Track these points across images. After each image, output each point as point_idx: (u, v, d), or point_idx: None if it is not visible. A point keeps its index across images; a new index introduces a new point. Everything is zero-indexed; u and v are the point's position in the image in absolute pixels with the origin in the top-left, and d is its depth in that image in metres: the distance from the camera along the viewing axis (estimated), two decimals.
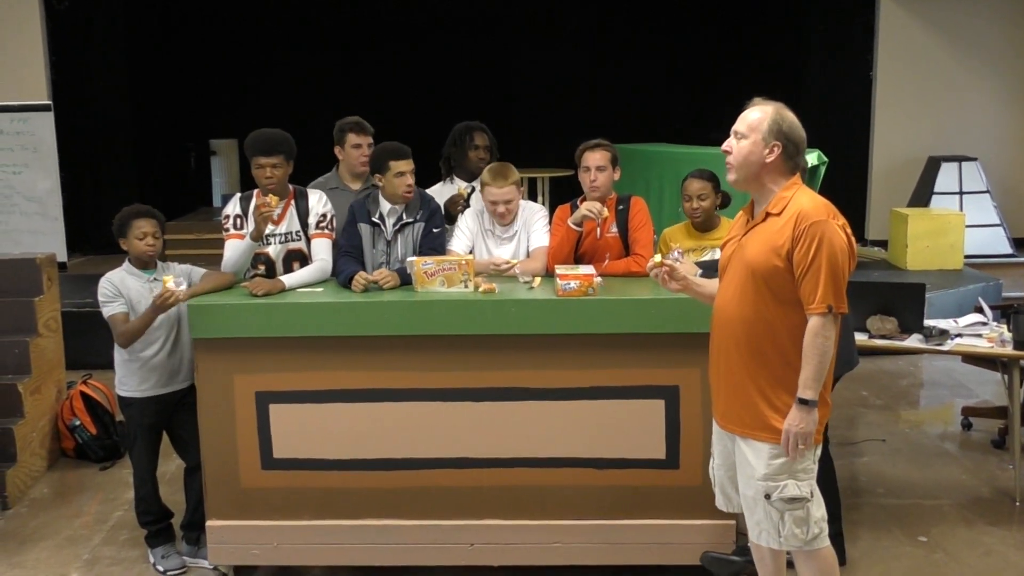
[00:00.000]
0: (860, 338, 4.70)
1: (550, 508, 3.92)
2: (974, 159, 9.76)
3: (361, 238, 4.25)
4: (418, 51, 11.29)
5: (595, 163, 4.28)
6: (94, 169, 10.27)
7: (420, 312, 3.83)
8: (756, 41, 10.99)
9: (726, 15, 11.15)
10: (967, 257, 8.84)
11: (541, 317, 3.81)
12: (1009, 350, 4.72)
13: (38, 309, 5.42)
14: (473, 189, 4.67)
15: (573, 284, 3.81)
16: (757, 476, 3.10)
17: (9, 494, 4.95)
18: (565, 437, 3.89)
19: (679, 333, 3.76)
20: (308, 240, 4.25)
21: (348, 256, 4.19)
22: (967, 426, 5.83)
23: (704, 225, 4.43)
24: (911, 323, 4.87)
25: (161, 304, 3.89)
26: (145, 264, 4.12)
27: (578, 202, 4.34)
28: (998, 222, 9.70)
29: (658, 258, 3.29)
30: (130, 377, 4.15)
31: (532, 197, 8.71)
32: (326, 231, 4.25)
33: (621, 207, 4.35)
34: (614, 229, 4.31)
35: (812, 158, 6.36)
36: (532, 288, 4.00)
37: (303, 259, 4.24)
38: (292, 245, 4.25)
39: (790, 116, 3.08)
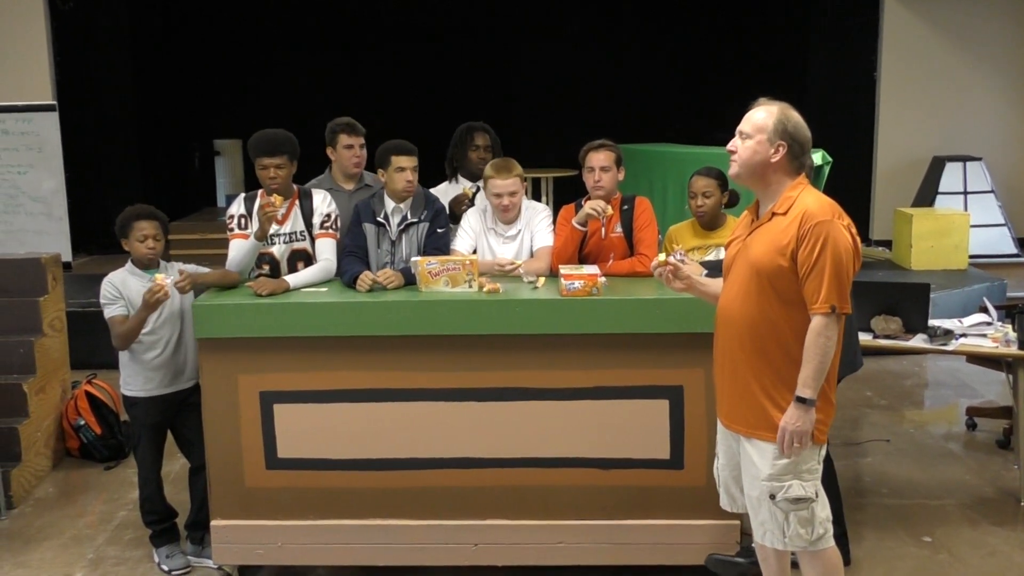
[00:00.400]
0: (864, 338, 4.69)
1: (554, 508, 3.92)
2: (979, 159, 9.75)
3: (366, 238, 4.26)
4: (420, 51, 11.28)
5: (599, 163, 4.28)
6: (98, 169, 10.30)
7: (424, 312, 3.83)
8: (759, 40, 10.97)
9: (729, 14, 11.14)
10: (971, 257, 8.82)
11: (545, 317, 3.81)
12: (1014, 350, 4.72)
13: (43, 309, 5.43)
14: (478, 189, 4.67)
15: (577, 284, 3.81)
16: (762, 476, 3.09)
17: (14, 494, 4.95)
18: (569, 437, 3.89)
19: (683, 333, 3.75)
20: (312, 240, 4.25)
21: (352, 256, 4.20)
22: (972, 426, 5.83)
23: (709, 223, 4.43)
24: (915, 323, 4.87)
25: (151, 299, 3.87)
26: (146, 265, 4.11)
27: (582, 202, 4.33)
28: (1002, 222, 9.68)
29: (662, 257, 3.29)
30: (134, 377, 4.15)
31: (536, 197, 8.69)
32: (330, 231, 4.26)
33: (625, 207, 4.34)
34: (618, 229, 4.31)
35: (816, 158, 6.31)
36: (536, 288, 4.00)
37: (307, 259, 4.24)
38: (296, 245, 4.25)
39: (795, 116, 3.07)
